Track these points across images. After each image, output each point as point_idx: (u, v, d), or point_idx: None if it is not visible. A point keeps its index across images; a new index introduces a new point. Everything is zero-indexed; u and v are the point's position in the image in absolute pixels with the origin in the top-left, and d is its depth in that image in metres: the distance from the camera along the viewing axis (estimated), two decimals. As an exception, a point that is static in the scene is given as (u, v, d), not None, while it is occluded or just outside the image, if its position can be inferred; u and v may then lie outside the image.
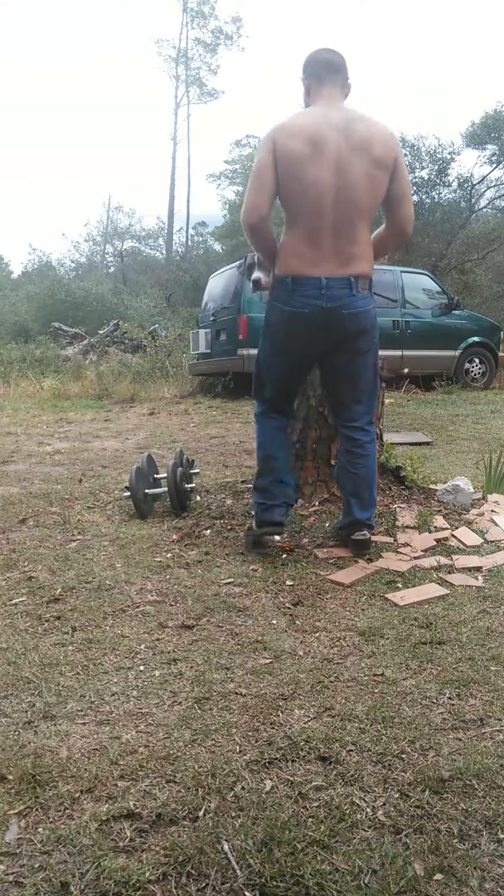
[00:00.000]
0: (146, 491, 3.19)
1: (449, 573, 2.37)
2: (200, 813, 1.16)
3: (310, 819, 1.14)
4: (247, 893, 0.99)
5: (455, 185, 17.31)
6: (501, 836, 1.11)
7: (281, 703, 1.51)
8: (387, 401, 6.02)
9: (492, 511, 3.00)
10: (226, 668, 1.68)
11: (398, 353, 8.92)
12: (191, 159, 54.05)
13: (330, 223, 2.32)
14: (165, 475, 3.25)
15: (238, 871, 1.03)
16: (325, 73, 2.43)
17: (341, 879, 1.01)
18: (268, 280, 3.14)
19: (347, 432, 2.52)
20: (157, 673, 1.66)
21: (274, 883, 1.01)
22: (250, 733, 1.40)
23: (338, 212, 2.31)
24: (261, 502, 2.56)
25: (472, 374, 9.80)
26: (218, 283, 9.59)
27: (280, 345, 2.50)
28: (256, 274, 3.10)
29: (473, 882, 1.02)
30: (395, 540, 2.69)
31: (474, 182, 17.50)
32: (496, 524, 2.84)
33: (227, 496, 3.23)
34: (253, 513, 2.64)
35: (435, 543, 2.65)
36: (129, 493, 3.13)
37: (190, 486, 3.28)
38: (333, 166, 2.28)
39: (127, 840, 1.10)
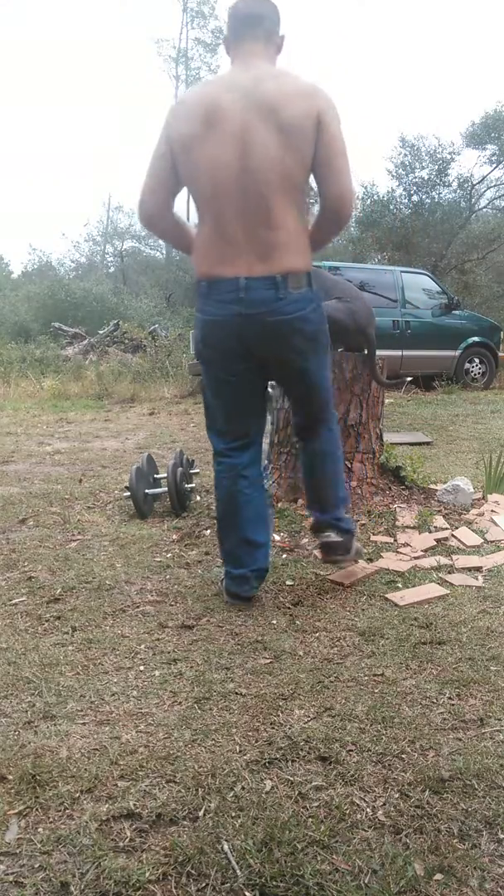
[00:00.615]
0: (146, 491, 3.19)
1: (449, 573, 2.37)
2: (200, 813, 1.16)
3: (310, 819, 1.14)
4: (247, 893, 0.99)
5: (455, 185, 17.30)
6: (501, 836, 1.11)
7: (281, 703, 1.51)
8: (387, 401, 6.01)
9: (492, 511, 3.00)
10: (226, 668, 1.68)
11: (398, 353, 8.92)
12: (191, 159, 53.82)
13: (238, 209, 1.89)
14: (165, 475, 3.25)
15: (238, 871, 1.03)
16: (241, 27, 2.00)
17: (341, 879, 1.01)
18: None
19: (306, 430, 2.23)
20: (157, 673, 1.66)
21: (274, 883, 1.01)
22: (250, 733, 1.40)
23: (246, 194, 1.88)
24: (227, 570, 2.12)
25: (472, 374, 9.79)
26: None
27: (208, 363, 2.08)
28: None
29: (473, 882, 1.02)
30: (395, 540, 2.69)
31: (474, 182, 17.50)
32: (496, 524, 2.84)
33: (227, 496, 3.22)
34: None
35: (435, 543, 2.65)
36: (129, 493, 3.13)
37: (190, 486, 3.28)
38: (234, 140, 1.87)
39: (127, 840, 1.10)
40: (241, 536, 2.10)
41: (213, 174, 1.90)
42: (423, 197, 17.07)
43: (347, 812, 1.16)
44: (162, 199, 2.00)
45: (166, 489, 3.19)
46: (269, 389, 3.48)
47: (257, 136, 1.87)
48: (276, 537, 2.72)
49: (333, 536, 2.18)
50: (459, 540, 2.70)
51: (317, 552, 2.26)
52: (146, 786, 1.23)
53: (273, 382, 3.57)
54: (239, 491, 2.10)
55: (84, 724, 1.44)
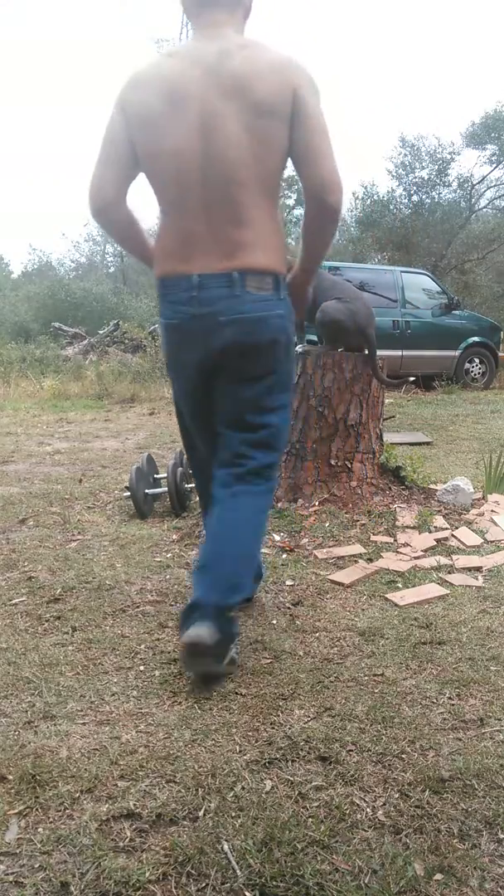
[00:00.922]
0: (146, 491, 3.19)
1: (449, 573, 2.37)
2: (200, 813, 1.16)
3: (310, 819, 1.14)
4: (247, 893, 0.99)
5: (455, 185, 17.31)
6: (501, 836, 1.11)
7: (281, 703, 1.51)
8: (387, 401, 6.00)
9: (492, 511, 3.00)
10: (226, 668, 1.68)
11: (398, 353, 8.93)
12: (191, 159, 53.89)
13: (201, 202, 1.66)
14: (165, 475, 3.25)
15: (238, 871, 1.03)
16: None
17: (341, 879, 1.01)
18: None
19: (226, 483, 1.74)
20: (157, 673, 1.66)
21: (274, 883, 1.01)
22: (250, 733, 1.40)
23: (210, 186, 1.64)
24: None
25: (472, 374, 9.80)
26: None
27: (170, 371, 1.87)
28: None
29: (473, 882, 1.02)
30: (395, 540, 2.69)
31: (474, 182, 17.51)
32: (496, 524, 2.84)
33: (227, 496, 3.23)
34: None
35: (435, 543, 2.65)
36: (129, 493, 3.13)
37: (190, 486, 3.28)
38: (197, 124, 1.63)
39: (127, 840, 1.10)
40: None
41: (174, 161, 1.65)
42: (423, 197, 17.08)
43: (347, 812, 1.16)
44: (116, 184, 1.73)
45: (166, 489, 3.19)
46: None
47: (222, 119, 1.61)
48: (276, 537, 2.72)
49: (204, 635, 1.53)
50: (459, 540, 2.70)
51: (179, 648, 1.64)
52: (146, 786, 1.23)
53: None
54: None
55: (84, 724, 1.44)
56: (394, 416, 4.31)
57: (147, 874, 1.02)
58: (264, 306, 1.69)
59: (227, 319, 1.67)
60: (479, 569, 2.41)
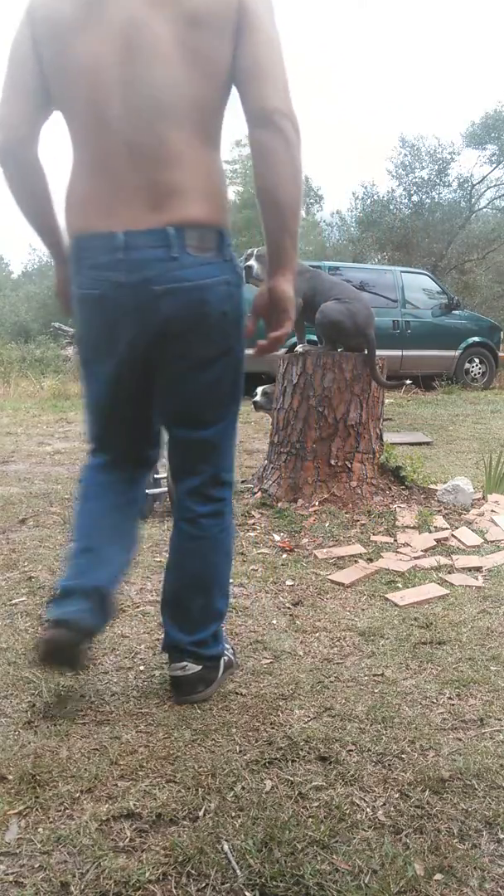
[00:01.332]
0: (146, 491, 3.18)
1: (449, 573, 2.37)
2: (200, 813, 1.16)
3: (310, 819, 1.14)
4: (247, 893, 0.99)
5: (455, 185, 17.32)
6: (501, 836, 1.11)
7: (281, 703, 1.51)
8: (387, 401, 6.00)
9: (492, 511, 3.00)
10: (226, 668, 1.68)
11: (398, 353, 8.93)
12: (191, 159, 53.89)
13: (121, 137, 1.31)
14: (165, 475, 3.25)
15: (238, 871, 1.03)
16: None
17: (341, 879, 1.01)
18: (262, 272, 3.24)
19: (180, 499, 1.55)
20: (156, 673, 1.66)
21: (274, 883, 1.01)
22: (250, 733, 1.40)
23: (132, 115, 1.30)
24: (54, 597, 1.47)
25: (472, 374, 9.80)
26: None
27: (83, 349, 1.50)
28: (250, 262, 3.21)
29: (473, 882, 1.02)
30: (395, 540, 2.69)
31: (474, 182, 17.52)
32: (496, 524, 2.84)
33: (227, 496, 3.23)
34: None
35: (435, 543, 2.65)
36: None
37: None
38: (117, 35, 1.29)
39: (127, 840, 1.10)
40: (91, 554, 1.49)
41: (86, 82, 1.31)
42: (423, 197, 17.09)
43: (347, 812, 1.16)
44: (26, 118, 1.39)
45: (166, 489, 3.19)
46: (258, 396, 3.55)
47: (148, 31, 1.28)
48: (276, 537, 2.72)
49: (190, 667, 1.50)
50: (459, 540, 2.70)
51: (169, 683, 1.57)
52: (146, 786, 1.23)
53: (264, 388, 3.60)
54: (108, 517, 1.54)
55: (84, 724, 1.44)
56: (391, 419, 4.32)
57: (147, 874, 1.02)
58: (208, 271, 1.36)
59: (163, 289, 1.34)
60: (479, 569, 2.41)
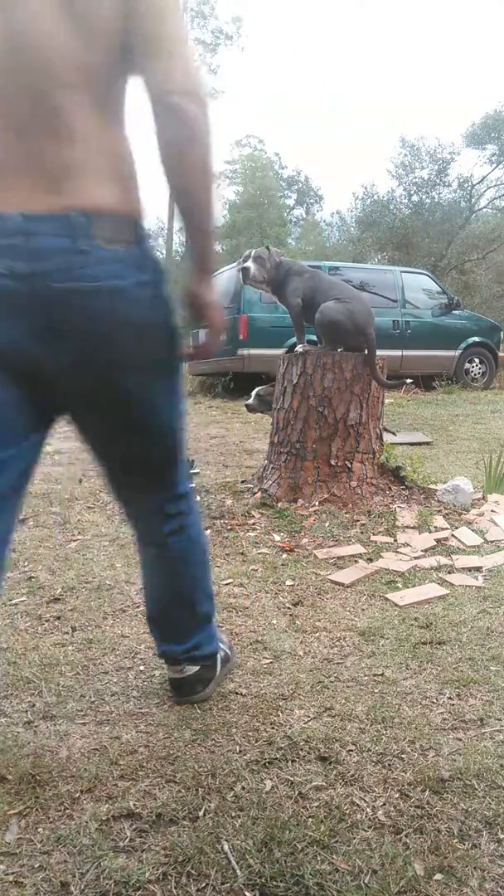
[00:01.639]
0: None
1: (449, 573, 2.37)
2: (200, 813, 1.16)
3: (310, 819, 1.14)
4: (247, 893, 0.99)
5: (455, 185, 17.35)
6: (501, 836, 1.11)
7: (281, 703, 1.51)
8: (387, 401, 5.99)
9: (492, 511, 3.00)
10: (226, 668, 1.68)
11: (398, 353, 8.93)
12: (191, 159, 53.94)
13: (8, 109, 1.12)
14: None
15: (238, 871, 1.03)
16: None
17: (341, 879, 1.01)
18: (259, 273, 3.24)
19: (137, 522, 1.45)
20: (157, 673, 1.66)
21: (274, 883, 1.01)
22: (250, 733, 1.40)
23: (19, 85, 1.12)
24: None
25: (472, 374, 9.80)
26: (218, 283, 9.54)
27: None
28: (247, 264, 3.22)
29: (473, 882, 1.02)
30: (395, 540, 2.69)
31: (474, 182, 17.54)
32: (496, 524, 2.84)
33: (227, 496, 3.23)
34: None
35: (435, 543, 2.65)
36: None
37: (190, 485, 3.28)
38: None
39: (127, 840, 1.10)
40: None
41: None
42: (423, 197, 17.11)
43: (347, 812, 1.16)
44: None
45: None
46: (251, 399, 3.56)
47: None
48: (276, 537, 2.72)
49: (188, 669, 1.50)
50: (459, 540, 2.70)
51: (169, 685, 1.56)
52: (146, 786, 1.23)
53: (258, 390, 3.60)
54: None
55: (84, 724, 1.44)
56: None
57: (147, 874, 1.02)
58: (123, 270, 1.14)
59: (64, 287, 1.11)
60: (479, 569, 2.41)
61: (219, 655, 1.57)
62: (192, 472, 3.59)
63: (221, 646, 1.61)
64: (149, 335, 1.20)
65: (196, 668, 1.51)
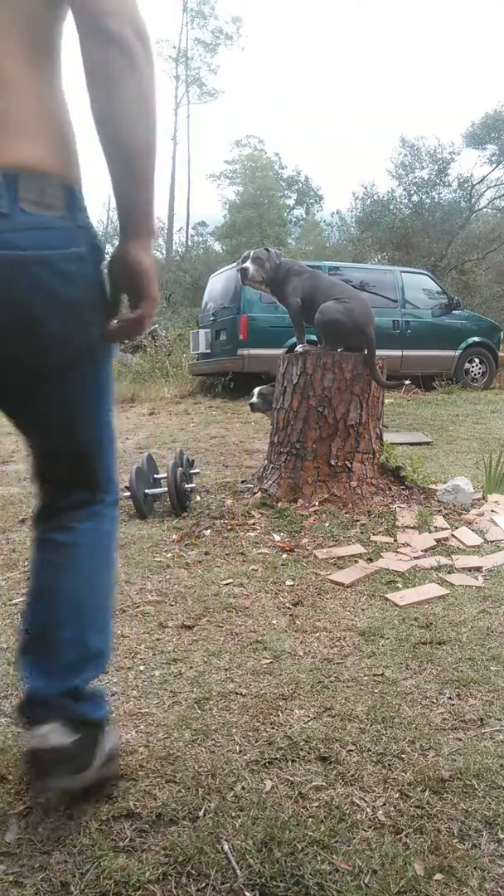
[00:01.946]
0: (146, 491, 3.19)
1: (449, 573, 2.37)
2: (200, 813, 1.16)
3: (310, 819, 1.14)
4: (247, 893, 0.99)
5: (455, 185, 17.35)
6: (501, 836, 1.11)
7: (281, 703, 1.51)
8: (387, 401, 6.00)
9: (492, 511, 3.00)
10: (226, 668, 1.68)
11: (398, 353, 8.93)
12: (191, 159, 54.28)
13: None
14: (165, 475, 3.25)
15: (238, 871, 1.03)
16: None
17: (341, 879, 1.01)
18: (257, 273, 3.25)
19: (46, 508, 1.23)
20: (157, 673, 1.66)
21: (274, 883, 1.01)
22: (250, 733, 1.40)
23: None
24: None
25: (472, 374, 9.80)
26: (218, 283, 9.60)
27: None
28: (245, 264, 3.22)
29: (473, 882, 1.01)
30: (395, 540, 2.69)
31: (474, 182, 17.54)
32: (496, 524, 2.84)
33: (227, 496, 3.23)
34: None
35: (435, 543, 2.65)
36: (129, 493, 3.13)
37: (190, 486, 3.28)
38: None
39: (127, 840, 1.10)
40: None
41: None
42: (423, 197, 17.11)
43: (347, 812, 1.16)
44: None
45: (166, 489, 3.19)
46: (254, 396, 3.56)
47: None
48: (276, 537, 2.72)
49: (54, 736, 1.07)
50: (459, 540, 2.70)
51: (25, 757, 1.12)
52: (146, 786, 1.23)
53: (261, 389, 3.59)
54: None
55: (84, 724, 1.44)
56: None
57: (147, 874, 1.02)
58: (51, 238, 1.00)
59: None
60: (479, 569, 2.41)
61: (105, 740, 1.17)
62: (192, 472, 3.59)
63: (110, 738, 1.21)
64: (75, 316, 1.04)
65: (72, 739, 1.07)
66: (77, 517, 1.19)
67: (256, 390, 3.53)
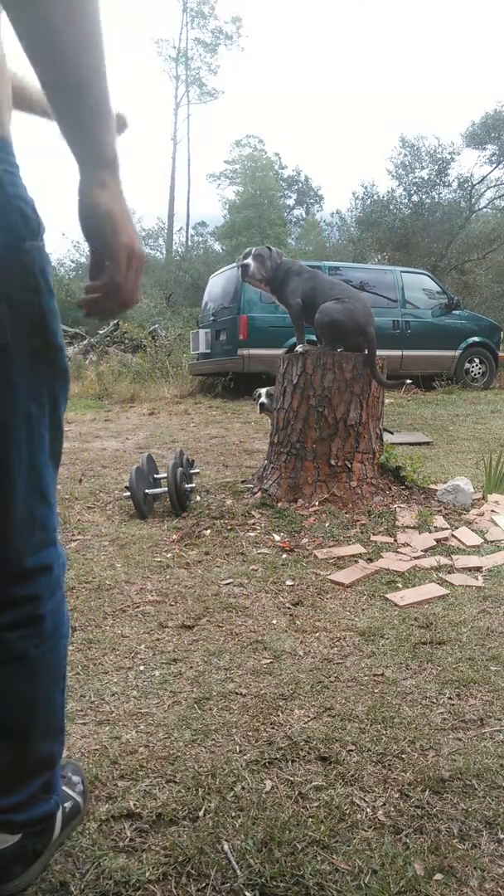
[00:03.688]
0: (146, 491, 3.19)
1: (449, 573, 2.37)
2: (200, 813, 1.16)
3: (310, 819, 1.14)
4: (247, 893, 0.99)
5: (455, 185, 17.34)
6: (501, 836, 1.11)
7: (281, 703, 1.51)
8: (387, 401, 6.00)
9: (492, 511, 3.00)
10: (226, 668, 1.68)
11: (398, 353, 8.93)
12: (191, 159, 54.37)
13: None
14: (165, 475, 3.25)
15: (238, 871, 1.03)
16: None
17: (341, 879, 1.01)
18: (258, 271, 3.25)
19: None
20: (157, 673, 1.66)
21: (274, 883, 1.01)
22: (250, 733, 1.40)
23: None
24: None
25: (472, 374, 9.80)
26: (218, 283, 9.60)
27: None
28: (247, 261, 3.23)
29: (473, 882, 1.01)
30: (395, 540, 2.69)
31: (474, 182, 17.54)
32: (496, 524, 2.84)
33: (227, 496, 3.23)
34: None
35: (435, 543, 2.65)
36: (129, 493, 3.13)
37: (190, 486, 3.28)
38: None
39: (127, 840, 1.10)
40: None
41: None
42: (423, 197, 17.11)
43: (347, 812, 1.16)
44: None
45: (166, 489, 3.18)
46: (262, 398, 3.55)
47: None
48: (276, 537, 2.72)
49: (2, 840, 0.98)
50: (459, 540, 2.70)
51: None
52: (146, 786, 1.23)
53: (268, 389, 3.57)
54: None
55: (84, 724, 1.44)
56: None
57: (147, 874, 1.02)
58: None
59: None
60: (479, 569, 2.41)
61: (59, 814, 1.05)
62: (192, 472, 3.59)
63: (68, 791, 1.12)
64: (25, 308, 0.81)
65: (14, 839, 0.98)
66: (5, 625, 0.94)
67: (263, 391, 3.52)
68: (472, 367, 9.81)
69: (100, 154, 0.79)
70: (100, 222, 0.80)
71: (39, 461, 0.92)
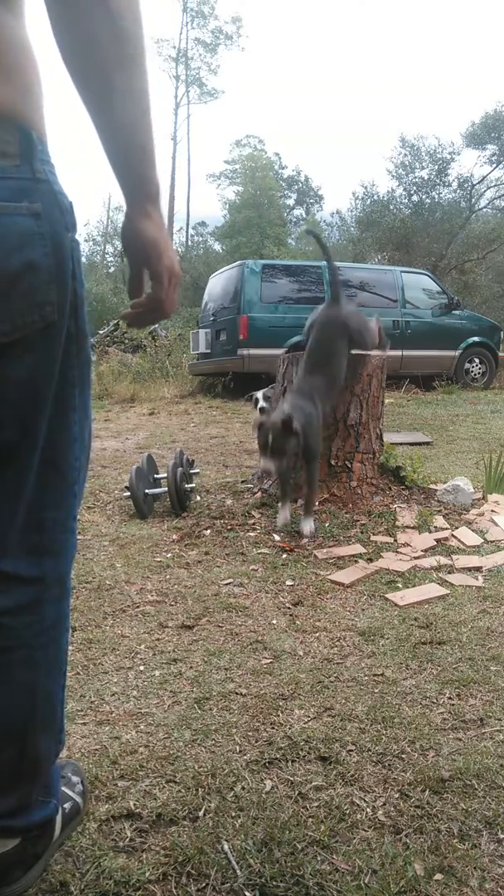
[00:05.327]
0: (146, 491, 3.19)
1: (449, 573, 2.37)
2: (200, 813, 1.16)
3: (310, 819, 1.14)
4: (247, 893, 0.99)
5: (455, 185, 17.35)
6: (501, 836, 1.11)
7: (281, 703, 1.51)
8: (387, 401, 5.99)
9: (492, 511, 3.00)
10: (226, 668, 1.68)
11: (398, 353, 8.93)
12: (191, 159, 54.34)
13: None
14: (165, 475, 3.25)
15: (238, 871, 1.03)
16: None
17: (341, 879, 1.01)
18: (270, 405, 3.36)
19: None
20: (157, 673, 1.66)
21: (274, 883, 1.01)
22: (250, 733, 1.40)
23: None
24: None
25: (472, 374, 9.80)
26: (218, 283, 9.60)
27: None
28: (262, 404, 3.37)
29: (473, 882, 1.01)
30: (395, 540, 2.69)
31: (474, 182, 17.54)
32: (496, 524, 2.84)
33: (227, 496, 3.23)
34: None
35: (435, 543, 2.65)
36: (129, 493, 3.13)
37: (190, 486, 3.28)
38: None
39: (127, 840, 1.10)
40: None
41: None
42: (423, 197, 17.11)
43: (347, 812, 1.16)
44: None
45: (166, 489, 3.19)
46: (261, 401, 3.55)
47: None
48: (277, 537, 2.72)
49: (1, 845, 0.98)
50: (459, 540, 2.70)
51: None
52: (146, 786, 1.23)
53: (265, 392, 3.59)
54: None
55: (84, 724, 1.44)
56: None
57: (147, 874, 1.02)
58: (9, 195, 0.78)
59: None
60: (479, 569, 2.41)
61: (58, 816, 1.05)
62: (192, 472, 3.59)
63: (67, 791, 1.12)
64: (23, 289, 0.79)
65: (14, 843, 0.97)
66: (8, 608, 0.92)
67: (260, 394, 3.51)
68: (472, 366, 9.82)
69: (146, 190, 0.89)
70: (146, 248, 0.91)
71: (65, 438, 0.93)
